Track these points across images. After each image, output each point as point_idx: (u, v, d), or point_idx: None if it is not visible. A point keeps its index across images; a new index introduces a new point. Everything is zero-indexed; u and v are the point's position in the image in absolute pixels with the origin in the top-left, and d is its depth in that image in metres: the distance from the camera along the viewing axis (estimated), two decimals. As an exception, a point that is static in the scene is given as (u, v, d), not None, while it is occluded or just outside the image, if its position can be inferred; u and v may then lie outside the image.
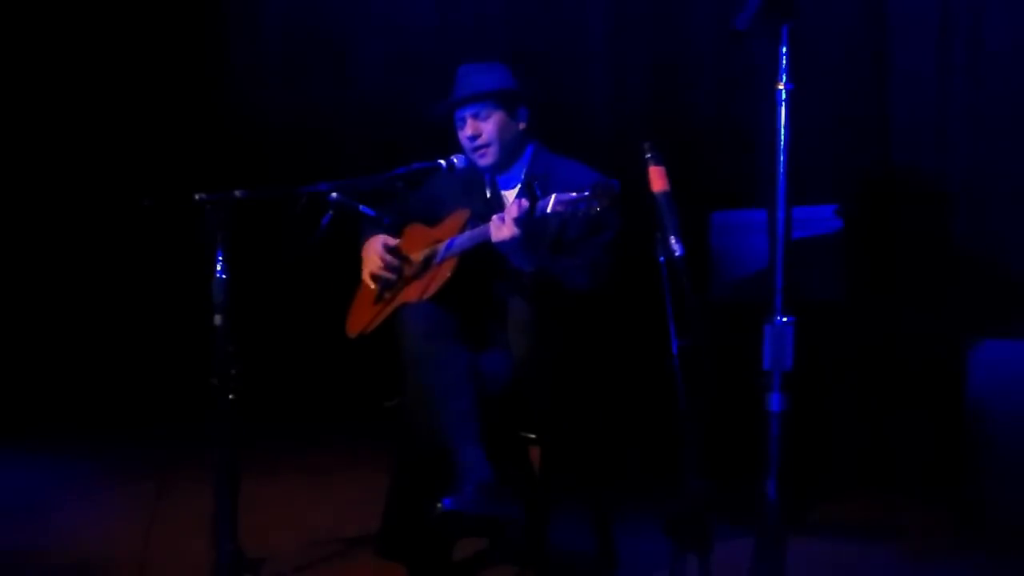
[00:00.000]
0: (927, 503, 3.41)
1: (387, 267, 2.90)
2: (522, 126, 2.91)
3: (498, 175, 2.93)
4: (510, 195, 2.90)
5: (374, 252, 2.92)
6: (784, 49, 1.98)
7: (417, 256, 2.90)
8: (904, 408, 3.68)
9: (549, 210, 2.43)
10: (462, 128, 2.89)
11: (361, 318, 2.95)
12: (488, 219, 2.59)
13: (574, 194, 2.40)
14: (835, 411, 3.71)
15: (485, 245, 2.59)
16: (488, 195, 2.92)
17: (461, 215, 2.82)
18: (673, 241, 2.07)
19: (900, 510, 3.39)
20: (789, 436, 1.98)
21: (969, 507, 3.24)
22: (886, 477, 3.63)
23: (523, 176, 2.87)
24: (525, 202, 2.47)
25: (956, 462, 3.38)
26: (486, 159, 2.87)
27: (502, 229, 2.50)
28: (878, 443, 3.72)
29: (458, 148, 2.90)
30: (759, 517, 1.99)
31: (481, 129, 2.85)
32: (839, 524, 3.25)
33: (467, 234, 2.72)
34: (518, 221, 2.47)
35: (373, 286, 2.94)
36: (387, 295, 2.92)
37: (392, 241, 2.93)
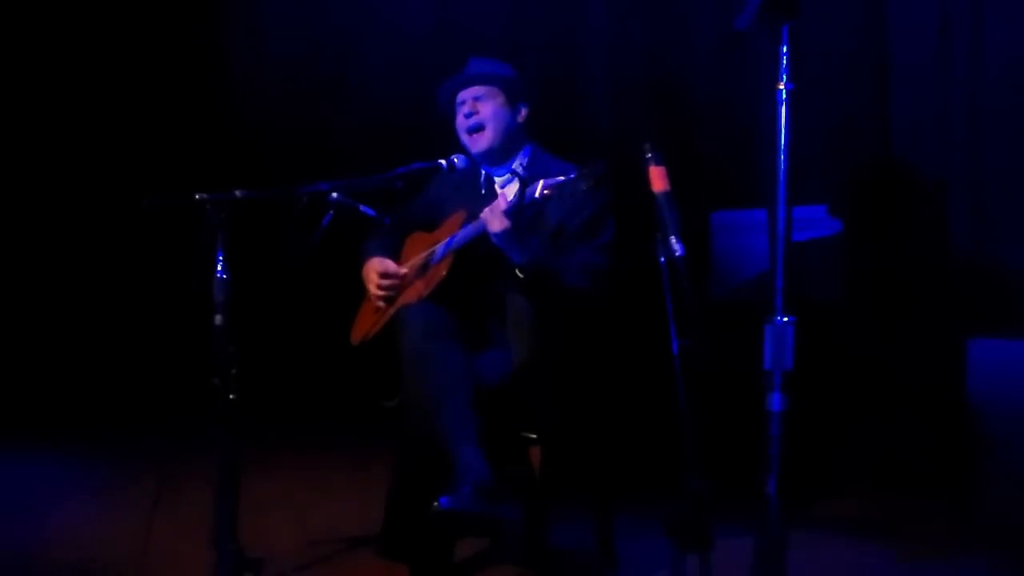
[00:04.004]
0: (927, 503, 3.41)
1: (389, 284, 2.90)
2: (520, 120, 2.92)
3: (493, 169, 2.94)
4: (506, 192, 2.90)
5: (373, 273, 2.92)
6: (784, 49, 1.98)
7: (416, 261, 2.90)
8: (904, 408, 3.68)
9: (538, 195, 2.48)
10: (461, 110, 2.90)
11: (363, 325, 2.95)
12: None
13: (561, 177, 2.45)
14: (835, 411, 3.71)
15: (482, 240, 2.60)
16: (483, 192, 2.92)
17: (459, 216, 2.82)
18: (673, 241, 2.07)
19: (900, 510, 3.39)
20: (789, 436, 1.99)
21: (969, 507, 3.25)
22: (886, 477, 3.63)
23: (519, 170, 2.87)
24: (515, 193, 2.49)
25: (956, 462, 3.38)
26: (479, 144, 2.88)
27: (493, 221, 2.53)
28: (878, 443, 3.72)
29: (458, 148, 2.90)
30: (759, 517, 2.00)
31: (478, 108, 2.88)
32: (839, 524, 3.25)
33: (463, 230, 2.72)
34: (507, 212, 2.51)
35: (384, 305, 2.94)
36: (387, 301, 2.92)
37: (387, 265, 2.92)
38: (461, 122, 2.91)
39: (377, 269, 2.91)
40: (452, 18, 4.56)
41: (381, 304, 2.91)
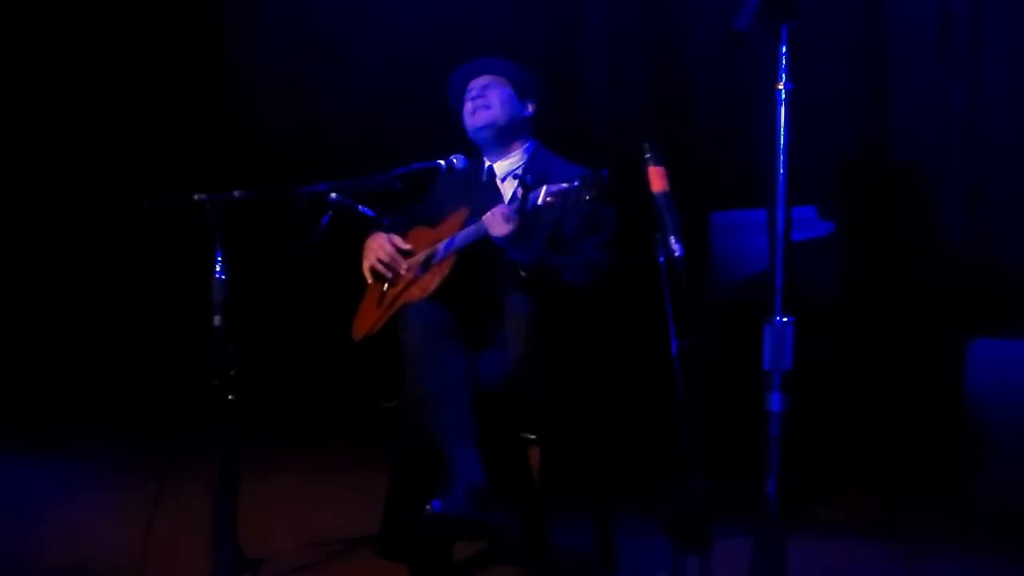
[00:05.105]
0: (927, 502, 3.41)
1: (388, 262, 2.89)
2: (527, 114, 2.96)
3: (493, 155, 2.95)
4: (507, 188, 2.91)
5: (377, 245, 2.92)
6: (784, 49, 1.98)
7: (418, 257, 2.91)
8: (904, 408, 3.68)
9: (540, 201, 2.50)
10: (469, 97, 2.94)
11: (365, 321, 2.95)
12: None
13: (564, 185, 2.45)
14: (835, 411, 3.70)
15: (484, 241, 2.60)
16: (485, 188, 2.93)
17: (461, 214, 2.82)
18: (673, 241, 2.07)
19: (900, 509, 3.39)
20: (789, 436, 1.98)
21: (969, 506, 3.24)
22: (886, 476, 3.63)
23: (521, 171, 2.88)
24: (518, 195, 2.49)
25: (956, 461, 3.38)
26: (482, 117, 2.91)
27: (495, 224, 2.54)
28: (878, 443, 3.72)
29: (458, 148, 2.90)
30: (759, 517, 1.99)
31: (487, 93, 2.92)
32: (839, 524, 3.25)
33: (465, 231, 2.72)
34: (511, 215, 2.51)
35: (371, 280, 2.94)
36: (389, 297, 2.92)
37: (400, 240, 2.92)
38: (468, 108, 2.94)
39: (383, 244, 2.90)
40: (451, 18, 4.55)
41: (377, 277, 2.90)
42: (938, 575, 2.87)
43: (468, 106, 2.95)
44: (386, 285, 2.94)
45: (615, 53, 4.30)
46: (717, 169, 4.00)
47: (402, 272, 2.88)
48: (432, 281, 2.74)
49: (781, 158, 1.98)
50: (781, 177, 1.98)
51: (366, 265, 2.95)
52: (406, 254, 2.92)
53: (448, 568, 2.73)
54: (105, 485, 3.68)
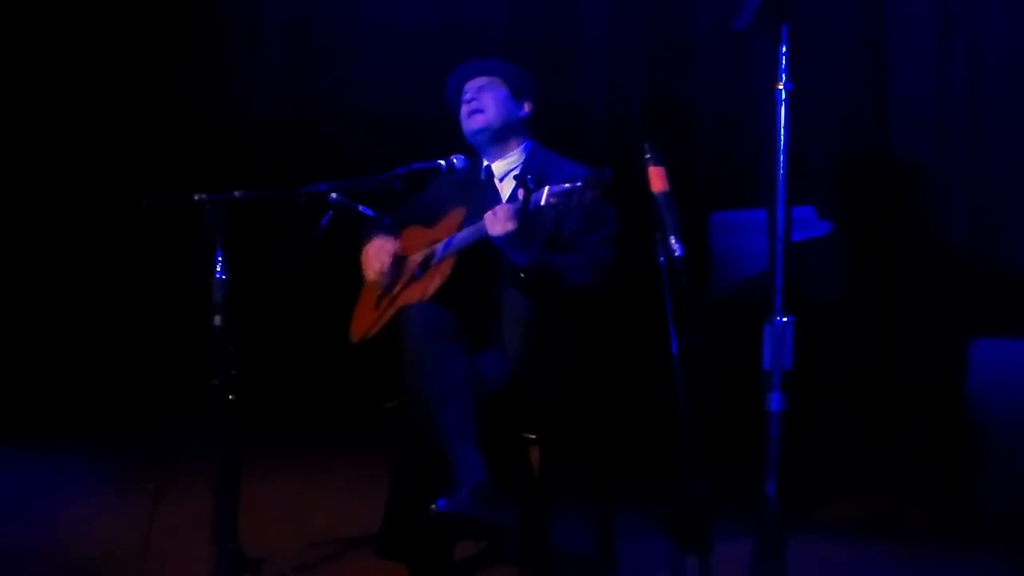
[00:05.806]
0: (927, 503, 3.41)
1: (388, 271, 2.90)
2: (523, 114, 2.96)
3: (491, 154, 2.95)
4: (505, 188, 2.91)
5: (375, 255, 2.92)
6: (784, 49, 1.98)
7: (416, 257, 2.91)
8: (904, 408, 3.68)
9: (543, 202, 2.48)
10: (464, 99, 2.94)
11: (364, 322, 2.95)
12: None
13: (567, 185, 2.44)
14: (835, 411, 3.70)
15: (483, 242, 2.60)
16: (484, 189, 2.93)
17: (458, 214, 2.82)
18: (673, 241, 2.07)
19: (900, 510, 3.39)
20: (789, 436, 1.99)
21: (969, 507, 3.24)
22: (886, 477, 3.63)
23: (519, 171, 2.88)
24: (519, 196, 2.49)
25: (956, 462, 3.38)
26: (478, 121, 2.91)
27: (496, 224, 2.52)
28: (878, 443, 3.72)
29: (458, 148, 2.90)
30: (759, 517, 2.00)
31: (482, 96, 2.92)
32: (839, 524, 3.25)
33: (464, 232, 2.72)
34: (512, 215, 2.50)
35: (380, 290, 2.95)
36: (388, 298, 2.92)
37: (392, 246, 2.93)
38: (464, 111, 2.94)
39: (379, 254, 2.90)
40: (451, 18, 4.55)
41: (380, 286, 2.90)
42: (938, 575, 2.87)
43: (464, 109, 2.95)
44: (384, 287, 2.94)
45: (615, 53, 4.29)
46: (717, 169, 4.00)
47: (404, 276, 2.89)
48: (432, 282, 2.74)
49: (781, 158, 1.98)
50: (781, 177, 1.98)
51: (369, 276, 2.95)
52: (402, 260, 2.92)
53: (448, 568, 2.73)
54: (105, 484, 3.68)
